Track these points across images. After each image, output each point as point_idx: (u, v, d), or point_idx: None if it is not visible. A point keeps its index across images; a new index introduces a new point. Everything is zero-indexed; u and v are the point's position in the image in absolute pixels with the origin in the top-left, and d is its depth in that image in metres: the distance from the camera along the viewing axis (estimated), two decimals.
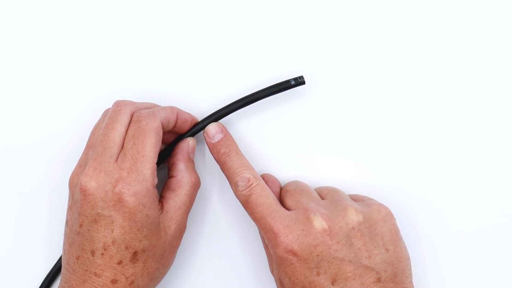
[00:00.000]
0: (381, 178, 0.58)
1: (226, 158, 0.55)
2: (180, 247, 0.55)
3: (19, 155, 0.58)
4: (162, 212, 0.52)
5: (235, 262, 0.58)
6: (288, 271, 0.51)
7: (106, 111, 0.55)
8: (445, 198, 0.57)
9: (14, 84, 0.59)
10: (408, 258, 0.52)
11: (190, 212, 0.56)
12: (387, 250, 0.51)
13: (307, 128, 0.58)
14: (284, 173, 0.58)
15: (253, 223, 0.58)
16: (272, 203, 0.53)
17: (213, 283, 0.58)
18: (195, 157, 0.57)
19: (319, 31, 0.58)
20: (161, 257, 0.52)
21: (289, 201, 0.54)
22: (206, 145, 0.57)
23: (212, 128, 0.56)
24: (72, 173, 0.53)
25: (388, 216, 0.52)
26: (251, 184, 0.53)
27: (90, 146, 0.53)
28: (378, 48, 0.58)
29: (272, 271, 0.54)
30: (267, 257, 0.55)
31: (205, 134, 0.56)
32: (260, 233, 0.55)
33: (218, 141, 0.55)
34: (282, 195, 0.55)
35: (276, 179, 0.57)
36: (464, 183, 0.57)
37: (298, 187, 0.55)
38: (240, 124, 0.58)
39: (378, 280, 0.50)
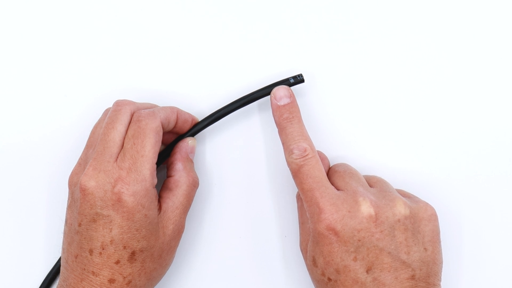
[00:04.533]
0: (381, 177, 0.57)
1: (287, 124, 0.54)
2: (180, 247, 0.56)
3: (19, 154, 0.59)
4: (160, 212, 0.52)
5: (236, 263, 0.58)
6: (325, 250, 0.50)
7: (107, 111, 0.55)
8: (445, 198, 0.57)
9: (14, 84, 0.59)
10: (442, 262, 0.52)
11: (189, 212, 0.56)
12: (425, 249, 0.51)
13: (306, 126, 0.58)
14: (283, 173, 0.58)
15: (253, 223, 0.58)
16: (323, 178, 0.52)
17: (213, 284, 0.58)
18: (195, 157, 0.57)
19: (319, 30, 0.58)
20: (159, 257, 0.52)
21: (338, 181, 0.53)
22: (206, 145, 0.57)
23: (281, 90, 0.55)
24: (72, 172, 0.53)
25: (433, 217, 0.52)
26: (307, 154, 0.52)
27: (90, 145, 0.54)
28: (377, 46, 0.58)
29: (303, 248, 0.53)
30: (301, 233, 0.54)
31: (272, 95, 0.55)
32: (300, 206, 0.55)
33: (284, 105, 0.54)
34: (330, 175, 0.54)
35: (326, 158, 0.56)
36: (465, 183, 0.57)
37: (348, 170, 0.54)
38: (241, 123, 0.58)
39: (412, 277, 0.50)
